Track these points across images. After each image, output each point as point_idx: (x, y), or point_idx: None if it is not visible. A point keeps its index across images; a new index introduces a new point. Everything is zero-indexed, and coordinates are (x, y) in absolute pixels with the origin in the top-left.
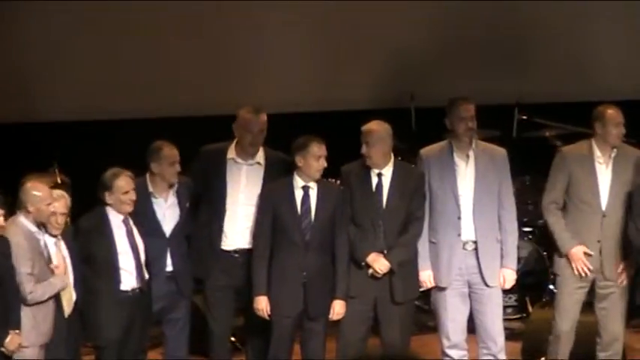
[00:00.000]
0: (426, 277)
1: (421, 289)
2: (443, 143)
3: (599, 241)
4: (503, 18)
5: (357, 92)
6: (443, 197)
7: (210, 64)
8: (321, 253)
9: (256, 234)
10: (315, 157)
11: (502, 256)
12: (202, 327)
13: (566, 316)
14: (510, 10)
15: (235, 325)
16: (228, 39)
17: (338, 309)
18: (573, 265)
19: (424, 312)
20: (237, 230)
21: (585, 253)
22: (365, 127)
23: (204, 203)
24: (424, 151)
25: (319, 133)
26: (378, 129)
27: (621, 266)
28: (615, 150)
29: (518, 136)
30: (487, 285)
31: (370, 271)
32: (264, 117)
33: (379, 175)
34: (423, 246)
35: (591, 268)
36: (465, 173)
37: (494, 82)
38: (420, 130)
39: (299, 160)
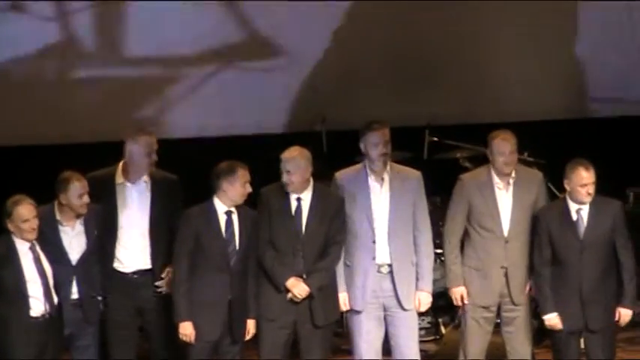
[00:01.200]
0: (341, 300)
1: None
2: (358, 166)
3: (503, 267)
4: (412, 41)
5: (269, 117)
6: (358, 221)
7: (116, 90)
8: (243, 278)
9: (177, 259)
10: (241, 182)
11: (417, 279)
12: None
13: (473, 343)
14: (419, 34)
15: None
16: (140, 63)
17: (251, 329)
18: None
19: (337, 335)
20: (135, 251)
21: (462, 296)
22: (285, 154)
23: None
24: (339, 174)
25: (230, 158)
26: (298, 155)
27: (528, 286)
28: (514, 174)
29: (429, 157)
30: (403, 308)
31: (289, 295)
32: (152, 139)
33: (298, 199)
34: (338, 269)
35: (460, 303)
36: (380, 197)
37: (405, 104)
38: (331, 152)
39: (224, 185)
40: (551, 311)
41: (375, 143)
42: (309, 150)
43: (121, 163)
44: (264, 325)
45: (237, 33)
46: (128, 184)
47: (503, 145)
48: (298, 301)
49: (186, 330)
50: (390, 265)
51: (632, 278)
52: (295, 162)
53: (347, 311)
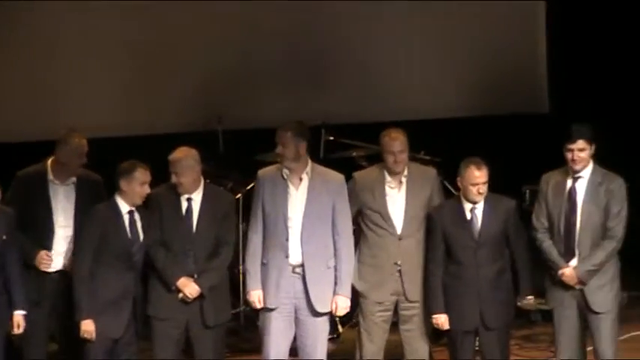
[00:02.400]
0: (256, 298)
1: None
2: (279, 165)
3: (397, 264)
4: (306, 40)
5: (165, 116)
6: (274, 219)
7: (16, 89)
8: (144, 276)
9: (80, 256)
10: (139, 182)
11: (335, 283)
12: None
13: (370, 340)
14: (313, 33)
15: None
16: (35, 63)
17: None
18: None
19: (235, 334)
20: (59, 252)
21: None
22: (172, 156)
23: (28, 228)
24: (261, 171)
25: (127, 158)
26: (185, 156)
27: None
28: (406, 172)
29: (325, 156)
30: (314, 311)
31: (180, 295)
32: (83, 141)
33: (189, 199)
34: (254, 266)
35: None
36: (297, 196)
37: (299, 103)
38: (228, 152)
39: (123, 185)
40: (441, 311)
41: (276, 142)
42: (204, 150)
43: (49, 161)
44: (156, 325)
45: (135, 32)
46: (57, 183)
47: (392, 144)
48: (189, 300)
49: (88, 327)
50: (302, 266)
51: (527, 274)
52: (182, 163)
53: (260, 309)
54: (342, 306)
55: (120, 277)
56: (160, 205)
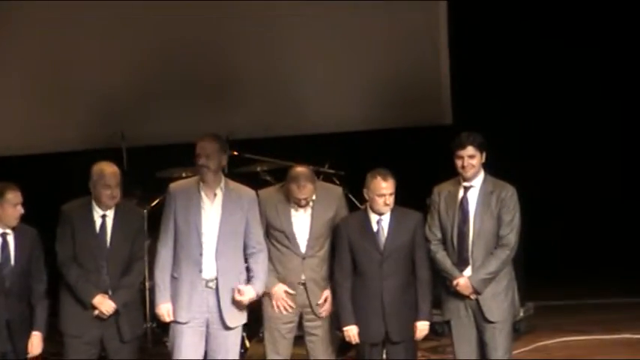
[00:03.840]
0: (165, 311)
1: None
2: (192, 179)
3: (302, 283)
4: (209, 55)
5: (67, 134)
6: (187, 233)
7: None
8: (23, 296)
9: None
10: (11, 204)
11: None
12: None
13: (276, 352)
14: (216, 47)
15: None
16: None
17: (35, 342)
18: (274, 303)
19: (143, 350)
20: None
21: (286, 292)
22: (95, 169)
23: None
24: (173, 185)
25: (25, 178)
26: (94, 170)
27: (324, 296)
28: (314, 193)
29: (230, 171)
30: (225, 325)
31: (96, 312)
32: None
33: (103, 216)
34: (163, 280)
35: (293, 306)
36: (211, 211)
37: (204, 118)
38: (132, 168)
39: None
40: (351, 323)
41: (197, 155)
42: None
43: None
44: (69, 342)
45: (34, 49)
46: None
47: (297, 192)
48: (105, 317)
49: None
50: (216, 280)
51: (428, 292)
52: (105, 177)
53: (169, 322)
54: (249, 296)
55: None
56: (71, 221)
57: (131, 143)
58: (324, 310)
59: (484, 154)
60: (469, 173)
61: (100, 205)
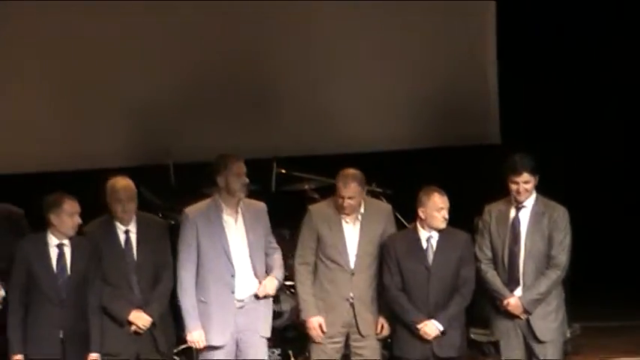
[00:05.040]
0: (198, 337)
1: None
2: (208, 201)
3: (349, 299)
4: (257, 74)
5: (113, 150)
6: (214, 256)
7: None
8: (78, 309)
9: (11, 291)
10: (68, 214)
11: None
12: None
13: None
14: (264, 66)
15: None
16: None
17: None
18: (310, 333)
19: None
20: None
21: (321, 325)
22: (108, 185)
23: None
24: (189, 209)
25: (73, 192)
26: (108, 186)
27: (379, 324)
28: (362, 209)
29: (277, 189)
30: (258, 338)
31: (133, 328)
32: None
33: (126, 231)
34: (192, 305)
35: (322, 336)
36: (236, 230)
37: (251, 136)
38: (180, 185)
39: (53, 219)
40: (423, 317)
41: (237, 174)
42: (154, 183)
43: None
44: None
45: (80, 64)
46: None
47: (342, 190)
48: (142, 332)
49: None
50: (244, 301)
51: (460, 304)
52: (120, 192)
53: (201, 349)
54: (270, 286)
55: (48, 311)
56: (96, 241)
57: (178, 159)
58: (382, 336)
59: (537, 177)
60: (523, 197)
61: (122, 221)
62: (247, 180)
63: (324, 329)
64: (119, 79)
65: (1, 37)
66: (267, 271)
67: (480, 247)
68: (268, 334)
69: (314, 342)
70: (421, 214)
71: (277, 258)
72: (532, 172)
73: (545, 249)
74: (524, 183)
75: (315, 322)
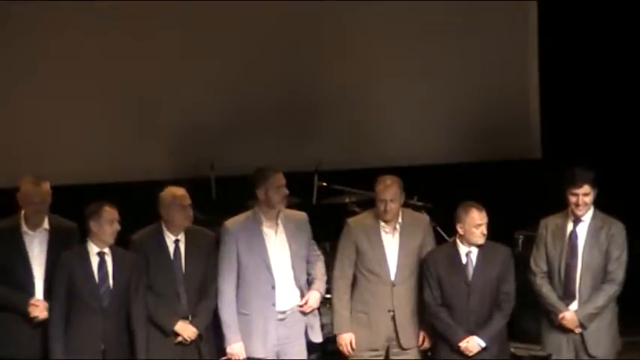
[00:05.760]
0: (238, 350)
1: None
2: (248, 213)
3: (390, 311)
4: (295, 88)
5: (156, 162)
6: (254, 269)
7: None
8: (120, 319)
9: (52, 301)
10: (107, 221)
11: (311, 283)
12: None
13: None
14: (302, 81)
15: None
16: (22, 111)
17: None
18: (340, 348)
19: None
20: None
21: (351, 342)
22: (161, 194)
23: (8, 279)
24: (229, 222)
25: (119, 203)
26: (166, 194)
27: (422, 334)
28: (400, 219)
29: (318, 202)
30: (296, 350)
31: (179, 338)
32: (46, 186)
33: (176, 241)
34: (233, 318)
35: (351, 353)
36: (276, 241)
37: (290, 149)
38: (221, 199)
39: (93, 226)
40: (464, 335)
41: (277, 186)
42: (196, 197)
43: (22, 212)
44: None
45: (125, 76)
46: (30, 233)
47: (384, 192)
48: (187, 343)
49: None
50: (285, 312)
51: (501, 320)
52: (168, 200)
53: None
54: (314, 298)
55: (89, 320)
56: (144, 250)
57: (220, 173)
58: (423, 349)
59: (596, 191)
60: (582, 211)
61: (172, 230)
62: (287, 191)
63: (354, 346)
64: (166, 96)
65: (54, 56)
66: (309, 281)
67: (535, 261)
68: (320, 339)
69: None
70: (459, 229)
71: (320, 267)
72: (592, 185)
73: (603, 264)
74: (584, 195)
75: (346, 339)
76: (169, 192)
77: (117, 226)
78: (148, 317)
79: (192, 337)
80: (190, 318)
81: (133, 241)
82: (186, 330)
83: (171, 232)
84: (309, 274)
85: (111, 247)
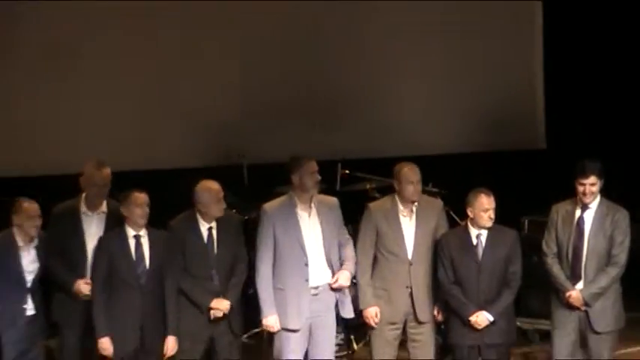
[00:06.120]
0: (273, 322)
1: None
2: (284, 198)
3: (408, 287)
4: (320, 82)
5: (191, 150)
6: (289, 247)
7: (48, 124)
8: (156, 296)
9: (94, 280)
10: (137, 205)
11: (342, 263)
12: None
13: (381, 353)
14: (330, 75)
15: None
16: (64, 102)
17: (171, 344)
18: (366, 321)
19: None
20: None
21: (377, 314)
22: (196, 187)
23: (64, 258)
24: (267, 206)
25: (160, 190)
26: (203, 188)
27: (435, 308)
28: (416, 202)
29: (341, 189)
30: (330, 324)
31: (213, 312)
32: (107, 171)
33: (209, 228)
34: (268, 293)
35: (377, 324)
36: (309, 223)
37: (317, 139)
38: (252, 185)
39: (125, 211)
40: (474, 310)
41: (311, 173)
42: (229, 183)
43: (83, 195)
44: (184, 343)
45: (161, 69)
46: (89, 214)
47: (412, 175)
48: (220, 316)
49: (105, 345)
50: (318, 288)
51: (509, 297)
52: (204, 194)
53: (276, 332)
54: (344, 278)
55: (128, 297)
56: (180, 235)
57: (250, 161)
58: (438, 321)
59: (602, 181)
60: (589, 199)
61: (206, 219)
62: (319, 177)
63: (377, 319)
64: (201, 89)
65: (90, 52)
66: (340, 262)
67: (547, 243)
68: (352, 315)
69: (373, 328)
70: (470, 213)
71: (350, 249)
72: (598, 176)
73: (607, 247)
74: (591, 185)
75: (372, 312)
76: (205, 186)
77: (146, 210)
78: (185, 295)
79: (226, 311)
80: (222, 294)
81: (171, 226)
82: (221, 304)
83: (205, 221)
84: (341, 257)
85: (147, 229)
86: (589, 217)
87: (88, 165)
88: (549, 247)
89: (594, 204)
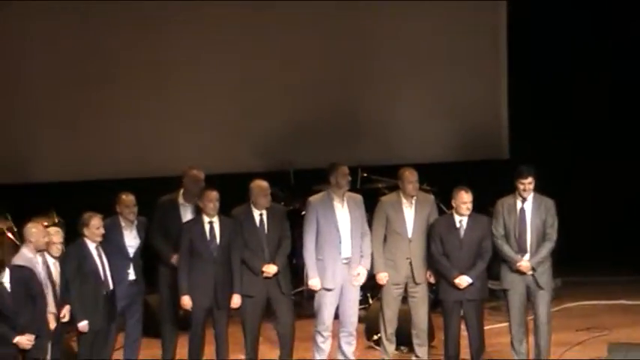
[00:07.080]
0: (316, 283)
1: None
2: (323, 193)
3: (408, 258)
4: (346, 106)
5: (248, 157)
6: (328, 229)
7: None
8: (224, 265)
9: (181, 254)
10: (208, 200)
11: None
12: (153, 318)
13: (388, 307)
14: (352, 101)
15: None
16: (169, 108)
17: (235, 300)
18: (378, 282)
19: (297, 305)
20: None
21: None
22: (250, 184)
23: (163, 235)
24: (312, 198)
25: (226, 189)
26: (255, 185)
27: (428, 273)
28: (415, 196)
29: (361, 187)
30: (355, 286)
31: (265, 274)
32: (196, 173)
33: (260, 214)
34: (313, 262)
35: (386, 284)
36: (342, 212)
37: (342, 151)
38: (297, 184)
39: (200, 204)
40: (457, 274)
41: (344, 174)
42: (279, 184)
43: (181, 190)
44: (246, 300)
45: (232, 89)
46: (186, 205)
47: (411, 176)
48: (270, 277)
49: (185, 301)
50: (348, 258)
51: (482, 265)
52: (254, 189)
53: (318, 290)
54: (363, 273)
55: (205, 266)
56: (240, 221)
57: (297, 166)
58: (429, 280)
59: (535, 180)
60: (528, 194)
61: (258, 208)
62: (350, 178)
63: (387, 280)
64: (256, 108)
65: (151, 66)
66: (361, 255)
67: (496, 228)
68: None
69: (383, 287)
70: (453, 204)
71: (367, 245)
72: (534, 176)
73: (542, 228)
74: (529, 184)
75: (382, 276)
76: (257, 184)
77: (217, 204)
78: (244, 262)
79: (275, 272)
80: (272, 262)
81: (233, 214)
82: (270, 268)
83: (257, 209)
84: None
85: (219, 217)
86: (528, 207)
87: (190, 168)
88: (497, 230)
89: (530, 197)
